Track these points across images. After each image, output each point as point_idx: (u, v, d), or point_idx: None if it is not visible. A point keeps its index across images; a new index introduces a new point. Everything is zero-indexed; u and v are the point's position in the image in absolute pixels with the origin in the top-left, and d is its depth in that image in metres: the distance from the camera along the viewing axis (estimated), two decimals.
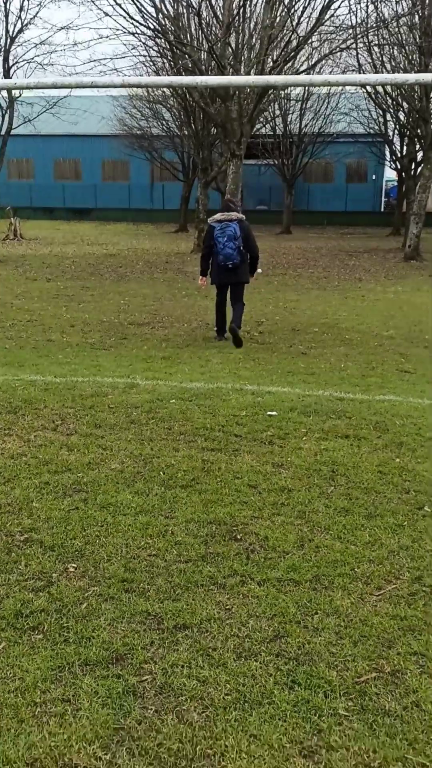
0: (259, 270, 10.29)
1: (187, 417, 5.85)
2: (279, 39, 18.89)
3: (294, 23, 18.43)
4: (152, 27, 18.98)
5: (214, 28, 20.33)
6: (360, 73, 30.25)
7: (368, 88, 30.15)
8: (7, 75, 23.82)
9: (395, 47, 24.16)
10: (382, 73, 28.15)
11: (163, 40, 20.01)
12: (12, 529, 3.81)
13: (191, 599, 3.15)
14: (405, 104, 27.11)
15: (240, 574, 3.35)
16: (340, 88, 36.77)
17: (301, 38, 18.47)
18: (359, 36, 21.16)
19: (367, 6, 24.43)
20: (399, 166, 34.16)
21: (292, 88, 34.33)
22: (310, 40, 19.58)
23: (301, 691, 2.57)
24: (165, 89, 30.49)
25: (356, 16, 26.29)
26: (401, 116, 30.43)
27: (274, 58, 19.32)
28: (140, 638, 2.86)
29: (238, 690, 2.57)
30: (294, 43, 18.64)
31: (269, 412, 6.00)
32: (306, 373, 7.82)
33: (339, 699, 2.54)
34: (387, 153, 37.63)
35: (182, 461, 4.83)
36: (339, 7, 36.63)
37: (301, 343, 9.74)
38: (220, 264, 9.14)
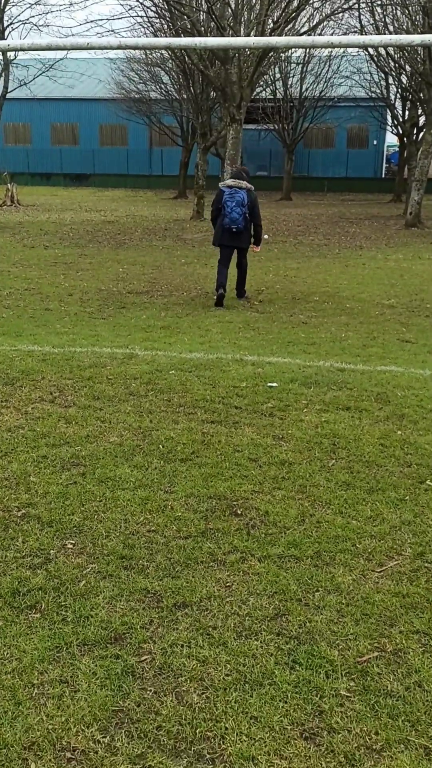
0: (265, 236, 10.77)
1: (187, 388, 5.78)
2: None
3: None
4: None
5: None
6: (362, 34, 29.54)
7: (370, 50, 29.47)
8: (1, 36, 23.22)
9: (398, 7, 23.52)
10: (385, 34, 27.49)
11: (160, 0, 19.47)
12: (9, 504, 3.76)
13: (191, 576, 3.10)
14: (408, 67, 26.51)
15: (240, 551, 3.31)
16: (342, 50, 35.97)
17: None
18: None
19: None
20: (401, 131, 33.57)
21: (293, 50, 33.56)
22: (311, 1, 19.06)
23: (302, 671, 2.53)
24: (163, 51, 29.78)
25: None
26: (404, 79, 29.81)
27: (275, 19, 18.82)
28: (139, 617, 2.82)
29: (239, 670, 2.53)
30: (295, 3, 18.14)
31: (270, 384, 5.93)
32: (306, 343, 7.73)
33: (340, 679, 2.50)
34: (389, 118, 36.96)
35: (182, 434, 4.76)
36: None
37: (301, 313, 9.62)
38: (225, 227, 9.61)
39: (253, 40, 4.79)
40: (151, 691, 2.44)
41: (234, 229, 9.57)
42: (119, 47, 5.65)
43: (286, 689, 2.44)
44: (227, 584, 3.06)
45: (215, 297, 9.95)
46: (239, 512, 3.69)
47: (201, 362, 6.61)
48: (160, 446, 4.55)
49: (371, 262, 15.11)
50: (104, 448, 4.51)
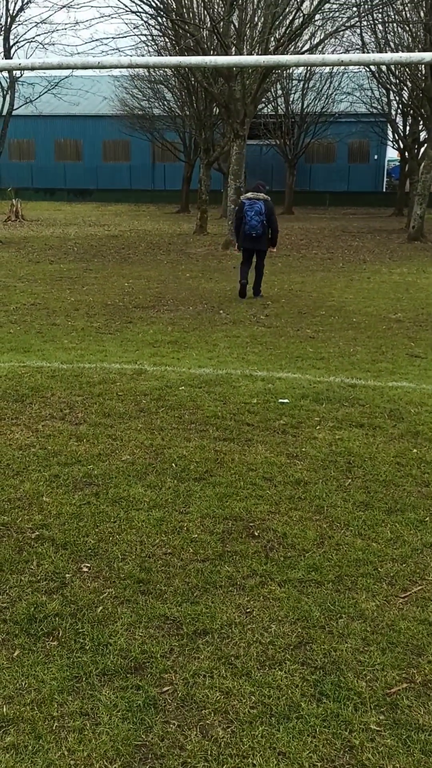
0: (273, 249, 11.98)
1: (198, 405, 5.72)
2: (283, 17, 18.50)
3: (298, 1, 18.03)
4: (154, 5, 18.59)
5: (217, 7, 19.90)
6: (364, 51, 29.74)
7: (372, 67, 29.67)
8: (7, 55, 23.39)
9: (400, 25, 23.69)
10: (386, 51, 27.67)
11: (165, 19, 19.61)
12: (23, 526, 3.69)
13: (210, 602, 3.02)
14: (409, 83, 26.66)
15: (260, 575, 3.23)
16: (344, 67, 36.20)
17: (305, 16, 18.08)
18: (364, 14, 20.73)
19: None
20: (402, 146, 33.71)
21: (295, 67, 33.80)
22: (314, 19, 19.17)
23: (329, 703, 2.45)
24: (167, 69, 29.99)
25: None
26: (405, 95, 29.97)
27: (278, 37, 18.94)
28: (159, 645, 2.74)
29: (264, 702, 2.45)
30: (298, 21, 18.26)
31: (281, 400, 5.86)
32: (315, 358, 7.67)
33: (370, 712, 2.42)
34: (390, 133, 37.15)
35: (194, 452, 4.69)
36: None
37: (308, 327, 9.57)
38: (246, 233, 11.24)
39: (264, 59, 4.77)
40: (174, 724, 2.36)
41: (254, 234, 11.16)
42: (130, 66, 5.65)
43: (314, 723, 2.36)
44: (248, 610, 2.98)
45: (238, 288, 11.66)
46: (256, 534, 3.62)
47: (210, 378, 6.55)
48: (173, 465, 4.49)
49: (376, 276, 15.08)
50: (117, 467, 4.44)
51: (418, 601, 3.07)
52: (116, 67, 5.35)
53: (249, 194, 11.32)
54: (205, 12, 19.10)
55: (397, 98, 32.15)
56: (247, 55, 18.05)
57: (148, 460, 4.56)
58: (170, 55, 25.88)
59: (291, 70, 33.89)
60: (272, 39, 18.41)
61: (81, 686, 2.52)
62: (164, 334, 8.88)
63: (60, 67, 5.28)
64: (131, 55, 22.34)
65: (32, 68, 6.02)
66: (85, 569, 3.27)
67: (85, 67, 5.31)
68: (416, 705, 2.46)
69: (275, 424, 5.27)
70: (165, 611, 2.95)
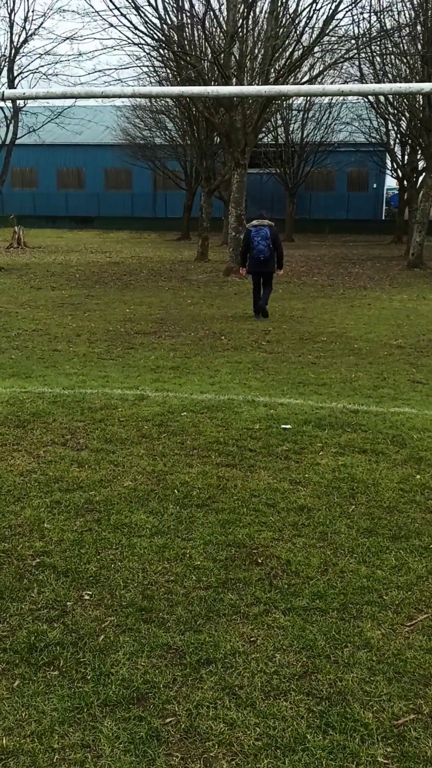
0: (280, 272, 12.85)
1: (200, 430, 5.70)
2: (283, 49, 18.85)
3: (298, 34, 18.39)
4: (156, 38, 18.96)
5: (218, 39, 20.30)
6: (362, 82, 30.24)
7: (370, 97, 30.17)
8: (11, 85, 23.79)
9: (397, 57, 24.11)
10: (384, 82, 28.14)
11: (167, 51, 19.98)
12: (23, 553, 3.65)
13: (214, 630, 2.98)
14: (407, 113, 27.06)
15: (263, 603, 3.19)
16: (342, 98, 36.81)
17: (304, 48, 18.42)
18: (362, 46, 21.12)
19: (369, 16, 24.47)
20: (400, 175, 34.11)
21: (295, 98, 34.39)
22: (313, 51, 19.52)
23: (335, 735, 2.40)
24: (168, 100, 30.50)
25: (359, 27, 26.29)
26: (403, 125, 30.40)
27: (278, 68, 19.28)
28: (162, 675, 2.69)
29: (269, 734, 2.40)
30: (297, 53, 18.59)
31: (283, 426, 5.85)
32: (317, 384, 7.67)
33: (377, 744, 2.37)
34: (388, 162, 37.61)
35: (197, 478, 4.67)
36: (343, 18, 36.68)
37: (310, 353, 9.59)
38: (254, 257, 12.05)
39: (266, 89, 4.86)
40: (177, 757, 2.31)
41: (261, 258, 11.99)
42: (133, 95, 5.73)
43: (320, 756, 2.31)
44: (251, 639, 2.93)
45: (253, 309, 12.71)
46: (260, 561, 3.58)
47: (212, 403, 6.54)
48: (176, 491, 4.46)
49: (376, 303, 15.15)
50: (118, 493, 4.42)
51: (424, 629, 3.03)
52: (120, 96, 5.44)
53: (254, 222, 12.16)
54: (207, 44, 19.45)
55: (395, 128, 32.63)
56: (248, 86, 18.36)
57: (150, 486, 4.54)
58: (172, 86, 26.33)
59: (291, 101, 34.43)
60: (272, 70, 18.74)
61: (82, 717, 2.47)
62: (166, 359, 8.89)
63: (64, 96, 5.36)
64: (134, 86, 22.71)
65: (36, 97, 6.12)
66: (87, 597, 3.23)
67: (89, 96, 5.38)
68: (424, 737, 2.41)
69: (278, 450, 5.25)
70: (168, 640, 2.90)
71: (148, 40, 18.99)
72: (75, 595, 3.24)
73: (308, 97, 35.96)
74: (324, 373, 8.31)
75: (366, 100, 31.25)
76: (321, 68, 22.64)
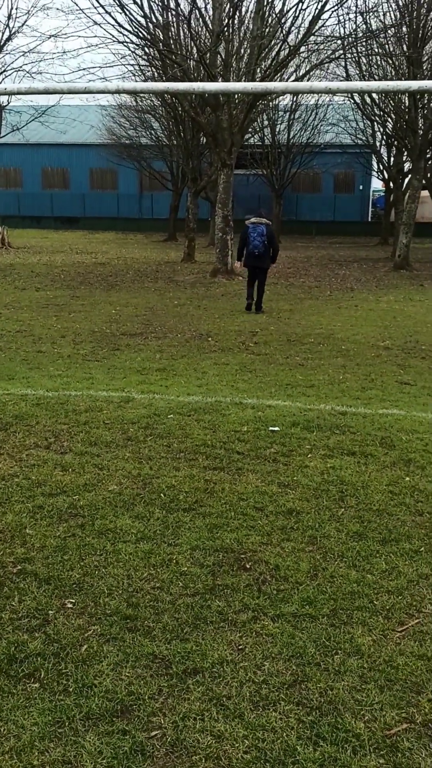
0: (272, 265, 13.57)
1: (187, 433, 5.62)
2: (269, 49, 18.81)
3: (284, 33, 18.36)
4: (142, 36, 18.85)
5: (203, 38, 20.22)
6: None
7: (356, 98, 30.23)
8: None
9: (383, 58, 24.17)
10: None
11: (152, 49, 19.87)
12: (4, 560, 3.55)
13: (201, 639, 2.90)
14: (393, 115, 27.13)
15: (252, 609, 3.11)
16: (329, 98, 36.88)
17: (291, 48, 18.39)
18: (348, 47, 21.13)
19: (355, 17, 24.49)
20: (386, 177, 34.21)
21: (281, 98, 34.37)
22: (299, 51, 19.51)
23: (326, 746, 2.33)
24: (154, 99, 30.37)
25: (345, 28, 26.30)
26: (388, 127, 30.48)
27: (264, 68, 19.24)
28: (147, 686, 2.61)
29: (258, 747, 2.32)
30: (284, 53, 18.56)
31: (271, 428, 5.78)
32: (305, 386, 7.61)
33: (369, 755, 2.30)
34: (374, 163, 37.73)
35: (183, 482, 4.58)
36: (329, 18, 36.78)
37: (297, 354, 9.53)
38: (250, 252, 12.91)
39: (252, 85, 4.77)
40: None
41: (257, 253, 12.86)
42: (117, 91, 5.64)
43: None
44: (240, 647, 2.85)
45: (246, 304, 13.39)
46: (248, 566, 3.50)
47: (200, 406, 6.46)
48: (162, 495, 4.37)
49: (363, 304, 15.14)
50: (103, 497, 4.32)
51: (416, 635, 2.96)
52: (104, 92, 5.34)
53: (253, 219, 13.04)
54: (192, 43, 19.38)
55: (381, 129, 32.72)
56: (234, 82, 18.27)
57: (136, 491, 4.45)
58: (157, 82, 26.16)
59: (277, 101, 34.44)
60: (258, 70, 18.69)
61: (64, 732, 2.38)
62: (152, 361, 8.80)
63: (47, 92, 5.26)
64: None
65: (18, 92, 6.03)
66: (69, 605, 3.14)
67: (72, 92, 5.28)
68: (417, 747, 2.34)
69: (266, 453, 5.18)
70: (153, 649, 2.82)
71: (133, 38, 18.90)
72: (57, 604, 3.15)
73: (295, 98, 36.00)
74: (312, 374, 8.25)
75: (352, 101, 31.30)
76: (307, 68, 22.66)
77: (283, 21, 18.16)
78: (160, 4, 19.22)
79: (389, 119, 29.04)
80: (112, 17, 19.63)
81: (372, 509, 4.21)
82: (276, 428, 5.77)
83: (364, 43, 22.52)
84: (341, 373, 8.40)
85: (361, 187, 46.32)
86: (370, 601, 3.19)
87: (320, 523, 4.00)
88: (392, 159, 33.07)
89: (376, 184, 46.26)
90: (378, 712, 2.50)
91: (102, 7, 18.16)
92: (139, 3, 18.39)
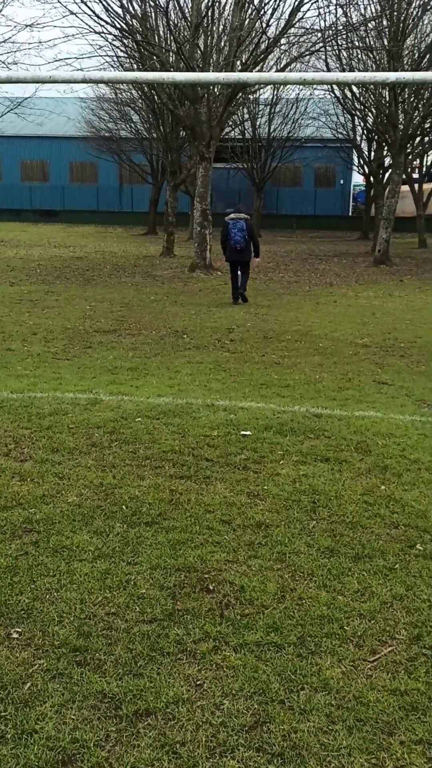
0: (257, 260, 13.96)
1: (154, 438, 5.37)
2: (248, 42, 18.53)
3: (263, 25, 18.09)
4: (119, 26, 18.48)
5: (182, 30, 19.88)
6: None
7: (337, 92, 30.04)
8: None
9: (363, 51, 23.98)
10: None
11: (130, 41, 19.50)
12: None
13: (156, 673, 2.66)
14: (374, 109, 26.97)
15: (213, 638, 2.88)
16: (309, 93, 36.67)
17: (270, 40, 18.12)
18: (328, 39, 20.90)
19: (336, 9, 24.29)
20: (367, 171, 34.09)
21: (262, 92, 34.09)
22: (279, 43, 19.25)
23: None
24: (133, 91, 29.94)
25: (325, 21, 26.06)
26: (369, 121, 30.33)
27: (243, 60, 18.96)
28: (93, 730, 2.37)
29: None
30: (263, 45, 18.29)
31: (243, 432, 5.55)
32: (280, 386, 7.40)
33: None
34: (355, 158, 37.60)
35: (148, 492, 4.34)
36: (308, 10, 36.51)
37: (273, 353, 9.32)
38: (231, 247, 13.18)
39: (224, 75, 4.53)
40: None
41: (238, 248, 13.14)
42: (83, 81, 5.36)
43: None
44: (198, 682, 2.62)
45: (231, 297, 13.86)
46: (211, 587, 3.27)
47: (169, 408, 6.22)
48: (124, 507, 4.13)
49: (342, 300, 14.97)
50: (61, 510, 4.07)
51: (388, 665, 2.75)
52: (69, 81, 5.06)
53: (232, 215, 13.31)
54: (170, 34, 19.04)
55: (361, 124, 32.56)
56: (206, 72, 17.98)
57: (97, 502, 4.20)
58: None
59: (258, 95, 34.15)
60: (238, 63, 18.41)
61: None
62: (124, 360, 8.54)
63: (9, 80, 4.96)
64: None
65: None
66: (15, 635, 2.88)
67: (36, 81, 5.00)
68: None
69: (236, 459, 4.95)
70: (103, 687, 2.58)
71: (110, 29, 18.51)
72: (2, 634, 2.90)
73: (275, 91, 35.73)
74: (288, 373, 8.04)
75: (333, 95, 31.10)
76: (287, 61, 22.39)
77: (261, 13, 17.90)
78: None
79: (370, 114, 28.88)
80: (89, 7, 19.25)
81: (345, 521, 4.00)
82: (248, 432, 5.55)
83: (344, 37, 22.31)
84: (318, 372, 8.19)
85: (341, 182, 46.23)
86: (341, 627, 2.98)
87: (290, 538, 3.78)
88: (373, 154, 32.95)
89: (357, 179, 46.23)
90: (346, 758, 2.28)
91: None
92: None
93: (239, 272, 13.66)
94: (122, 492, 4.33)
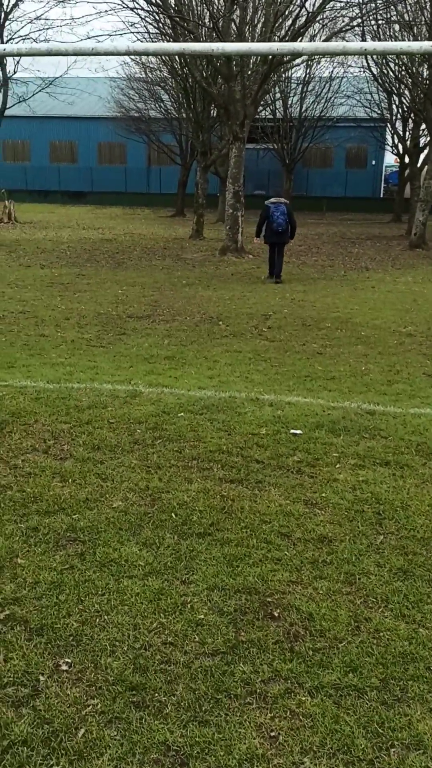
0: (290, 241, 14.89)
1: (199, 436, 5.06)
2: (284, 17, 17.91)
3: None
4: (152, 1, 17.97)
5: (217, 4, 19.29)
6: (365, 54, 29.21)
7: (374, 69, 29.21)
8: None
9: (403, 27, 23.16)
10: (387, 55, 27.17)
11: (163, 17, 18.98)
12: None
13: (223, 721, 2.36)
14: (410, 87, 26.13)
15: (284, 677, 2.56)
16: (343, 70, 35.72)
17: (309, 14, 17.49)
18: (366, 14, 20.17)
19: None
20: (401, 151, 33.18)
21: (294, 70, 33.25)
22: (317, 18, 18.57)
23: None
24: (164, 71, 29.40)
25: None
26: (405, 100, 29.46)
27: (280, 36, 18.34)
28: None
29: None
30: (300, 20, 17.68)
31: (293, 431, 5.21)
32: (325, 378, 7.04)
33: None
34: (389, 137, 36.65)
35: (197, 498, 4.03)
36: None
37: (314, 341, 8.94)
38: (273, 229, 14.07)
39: (277, 46, 4.15)
40: None
41: (279, 230, 14.05)
42: (127, 53, 5.00)
43: None
44: (272, 734, 2.31)
45: (267, 273, 14.78)
46: (276, 614, 2.96)
47: (212, 402, 5.90)
48: (173, 515, 3.82)
49: (380, 285, 14.48)
50: (106, 517, 3.78)
51: None
52: (113, 54, 4.70)
53: (273, 199, 14.36)
54: (205, 9, 18.48)
55: (397, 101, 31.65)
56: (248, 57, 17.43)
57: (144, 508, 3.90)
58: (168, 54, 25.26)
59: (290, 73, 33.35)
60: (274, 38, 17.80)
61: None
62: (160, 347, 8.23)
63: (50, 53, 4.61)
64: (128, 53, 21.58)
65: (20, 54, 5.37)
66: (65, 667, 2.60)
67: (77, 54, 4.64)
68: None
69: (288, 462, 4.62)
70: (166, 736, 2.28)
71: (143, 3, 18.01)
72: (50, 665, 2.61)
73: (308, 69, 34.85)
74: (331, 364, 7.67)
75: (369, 72, 30.23)
76: (323, 38, 21.70)
77: None
78: None
79: (407, 91, 28.02)
80: None
81: (416, 537, 3.65)
82: (298, 431, 5.21)
83: (382, 13, 21.54)
84: (363, 363, 7.81)
85: (373, 162, 45.22)
86: (427, 667, 2.65)
87: (357, 556, 3.44)
88: (408, 133, 32.03)
89: (389, 160, 45.15)
90: None
91: None
92: None
93: (276, 254, 14.46)
94: (170, 497, 4.03)
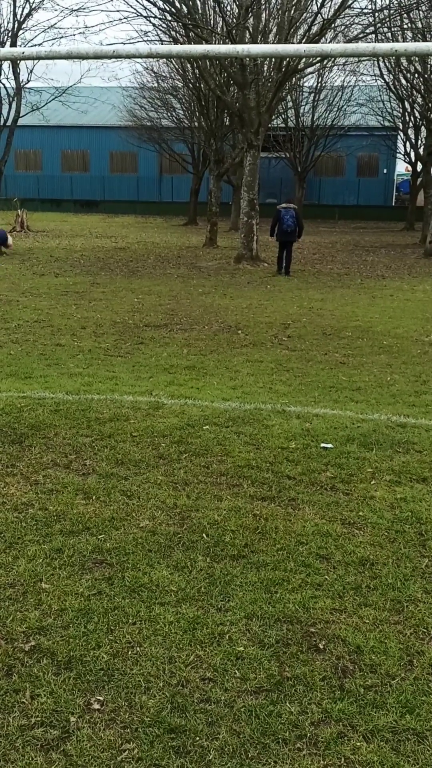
0: (298, 240, 17.18)
1: (227, 450, 4.86)
2: (298, 25, 17.80)
3: (318, 5, 17.35)
4: (167, 9, 17.91)
5: (231, 12, 19.22)
6: (378, 61, 29.10)
7: (387, 78, 29.08)
8: (14, 62, 22.73)
9: (417, 34, 23.01)
10: (401, 62, 27.03)
11: (177, 25, 18.91)
12: (14, 629, 2.82)
13: None
14: (423, 94, 25.95)
15: (335, 719, 2.35)
16: (355, 79, 35.60)
17: (324, 21, 17.37)
18: (382, 20, 20.04)
19: None
20: (414, 159, 32.97)
21: (306, 78, 33.18)
22: (332, 25, 18.45)
23: None
24: (176, 80, 29.39)
25: (375, 3, 25.07)
26: (417, 107, 29.27)
27: (296, 43, 18.23)
28: None
29: None
30: (315, 28, 17.55)
31: (323, 445, 5.01)
32: (351, 389, 6.83)
33: None
34: (401, 146, 36.47)
35: (228, 517, 3.83)
36: None
37: (336, 351, 8.74)
38: (284, 230, 16.33)
39: (305, 48, 3.98)
40: None
41: (288, 230, 16.25)
42: (149, 55, 4.85)
43: None
44: None
45: (276, 268, 17.09)
46: (321, 646, 2.75)
47: (238, 414, 5.70)
48: (204, 535, 3.62)
49: (398, 294, 14.27)
50: (134, 537, 3.58)
51: None
52: (134, 56, 4.55)
53: (283, 205, 16.68)
54: (220, 17, 18.41)
55: (410, 109, 31.46)
56: (263, 64, 17.32)
57: (173, 528, 3.70)
58: (181, 63, 25.23)
59: (302, 82, 33.29)
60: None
61: None
62: (179, 357, 8.05)
63: (69, 56, 4.47)
64: (143, 64, 21.54)
65: (38, 57, 5.21)
66: (96, 706, 2.40)
67: (98, 57, 4.50)
68: None
69: (321, 478, 4.41)
70: None
71: (157, 12, 17.95)
72: (81, 703, 2.41)
73: (320, 78, 34.75)
74: (356, 374, 7.46)
75: (382, 80, 30.10)
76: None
77: None
78: None
79: (422, 97, 27.85)
80: None
81: None
82: (329, 445, 5.00)
83: (397, 19, 21.40)
84: (388, 373, 7.60)
85: (385, 171, 45.08)
86: None
87: (402, 581, 3.23)
88: (421, 141, 31.83)
89: (400, 168, 45.00)
90: None
91: None
92: None
93: (285, 252, 16.73)
94: (200, 516, 3.83)
